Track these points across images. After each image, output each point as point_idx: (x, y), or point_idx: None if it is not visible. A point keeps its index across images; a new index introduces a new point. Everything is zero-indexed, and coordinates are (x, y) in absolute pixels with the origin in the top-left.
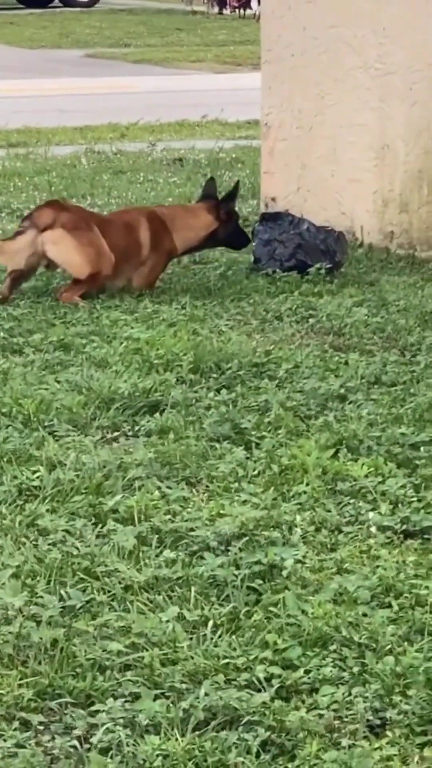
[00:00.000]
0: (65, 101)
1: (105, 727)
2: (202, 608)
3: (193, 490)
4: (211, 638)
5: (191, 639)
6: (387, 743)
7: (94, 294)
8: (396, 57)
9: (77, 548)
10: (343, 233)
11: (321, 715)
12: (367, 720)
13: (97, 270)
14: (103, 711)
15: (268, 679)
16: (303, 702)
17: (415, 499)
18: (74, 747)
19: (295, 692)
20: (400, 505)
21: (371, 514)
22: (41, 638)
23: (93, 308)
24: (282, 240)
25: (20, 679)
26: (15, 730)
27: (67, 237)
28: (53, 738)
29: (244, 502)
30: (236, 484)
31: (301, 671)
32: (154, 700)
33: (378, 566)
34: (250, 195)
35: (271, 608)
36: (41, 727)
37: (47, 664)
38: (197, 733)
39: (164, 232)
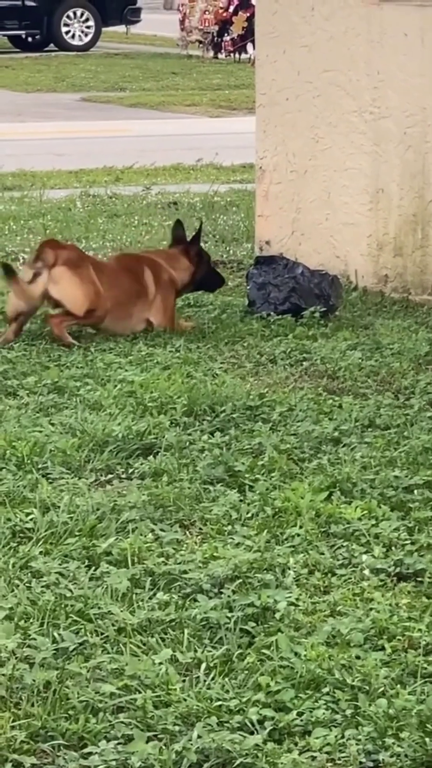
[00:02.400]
0: (60, 145)
1: None
2: (195, 650)
3: (187, 533)
4: (204, 680)
5: (184, 681)
6: None
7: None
8: (390, 101)
9: (70, 590)
10: (338, 277)
11: (314, 758)
12: (360, 762)
13: (93, 307)
14: (96, 753)
15: (261, 722)
16: (296, 744)
17: (408, 542)
18: None
19: (287, 734)
20: (393, 547)
21: (365, 557)
22: (34, 680)
23: (87, 351)
24: (276, 283)
25: (13, 721)
26: None
27: (67, 274)
28: None
29: (238, 544)
30: (230, 527)
31: (294, 713)
32: (147, 742)
33: (371, 609)
34: (245, 238)
35: (264, 650)
36: None
37: (40, 706)
38: None
39: (164, 271)
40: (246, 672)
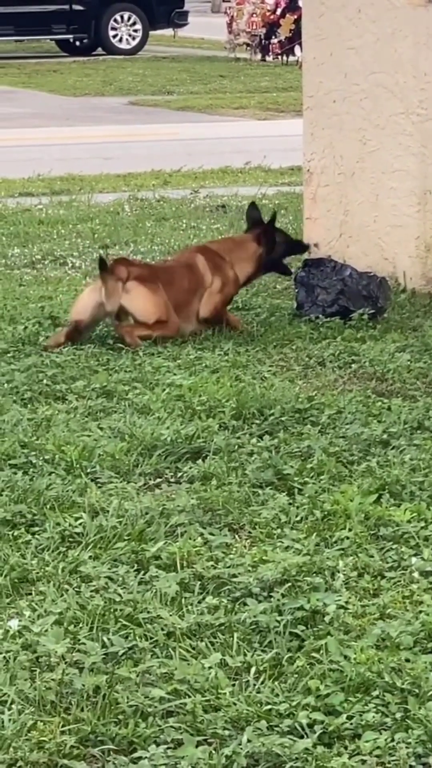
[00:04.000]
0: (108, 148)
1: None
2: (245, 654)
3: (236, 537)
4: (254, 684)
5: (234, 685)
6: None
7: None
8: None
9: (120, 595)
10: (386, 279)
11: (364, 761)
12: (410, 766)
13: (163, 318)
14: (146, 758)
15: (311, 725)
16: (345, 748)
17: None
18: None
19: (337, 738)
20: None
21: (414, 560)
22: (84, 685)
23: (136, 355)
24: (324, 286)
25: (63, 726)
26: None
27: (139, 287)
28: None
29: (287, 548)
30: (279, 530)
31: (344, 717)
32: (197, 746)
33: (421, 611)
34: None
35: (314, 654)
36: None
37: (90, 711)
38: None
39: (221, 261)
40: (296, 675)
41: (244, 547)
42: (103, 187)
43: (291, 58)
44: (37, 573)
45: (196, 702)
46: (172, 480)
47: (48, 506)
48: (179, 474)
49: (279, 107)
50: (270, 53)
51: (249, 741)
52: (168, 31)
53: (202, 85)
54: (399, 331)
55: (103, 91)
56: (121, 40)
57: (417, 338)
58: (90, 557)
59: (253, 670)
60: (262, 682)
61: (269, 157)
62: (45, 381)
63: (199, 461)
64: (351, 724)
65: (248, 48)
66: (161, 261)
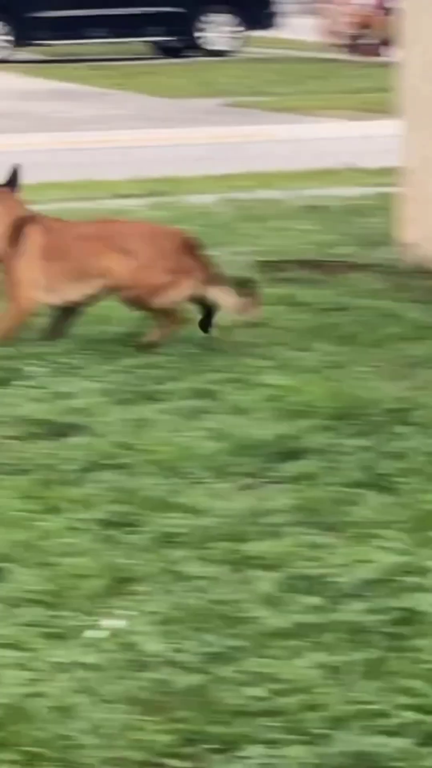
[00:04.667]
0: (204, 150)
1: None
2: (342, 654)
3: (334, 536)
4: (351, 684)
5: (331, 684)
6: None
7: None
8: None
9: (217, 594)
10: None
11: None
12: None
13: None
14: (244, 757)
15: (408, 725)
16: None
17: None
18: None
19: None
20: None
21: None
22: (182, 684)
23: (231, 356)
24: None
25: (163, 725)
26: None
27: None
28: None
29: (385, 547)
30: (376, 530)
31: None
32: (295, 745)
33: None
34: (386, 241)
35: (413, 654)
36: None
37: (189, 710)
38: None
39: None
40: (393, 675)
41: (342, 546)
42: (198, 188)
43: (385, 59)
44: (136, 573)
45: (293, 701)
46: (269, 480)
47: (146, 506)
48: (276, 474)
49: (374, 107)
50: (364, 54)
51: (346, 740)
52: (264, 33)
53: (297, 86)
54: None
55: (198, 92)
56: (216, 41)
57: None
58: (188, 557)
59: (350, 669)
60: (360, 682)
61: (364, 157)
62: (141, 381)
63: (296, 461)
64: None
65: (343, 49)
66: None
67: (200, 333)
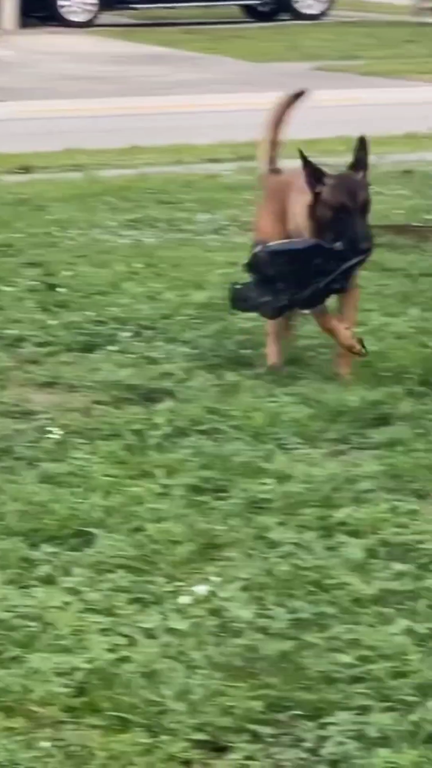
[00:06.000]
0: (293, 114)
1: (334, 739)
2: None
3: (423, 503)
4: None
5: (421, 652)
6: None
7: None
8: None
9: (306, 561)
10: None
11: None
12: None
13: None
14: (333, 723)
15: None
16: None
17: None
18: (304, 759)
19: None
20: None
21: None
22: (271, 651)
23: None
24: None
25: (250, 691)
26: (245, 742)
27: None
28: (283, 750)
29: None
30: None
31: None
32: (384, 712)
33: None
34: None
35: None
36: (271, 740)
37: (277, 677)
38: (427, 746)
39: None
40: None
41: (431, 513)
42: (287, 153)
43: None
44: (224, 539)
45: (382, 668)
46: (358, 446)
47: (235, 472)
48: (365, 440)
49: None
50: None
51: None
52: None
53: (387, 49)
54: None
55: (288, 56)
56: (306, 5)
57: None
58: (276, 523)
59: None
60: None
61: None
62: (232, 347)
63: (386, 427)
64: None
65: None
66: None
67: None
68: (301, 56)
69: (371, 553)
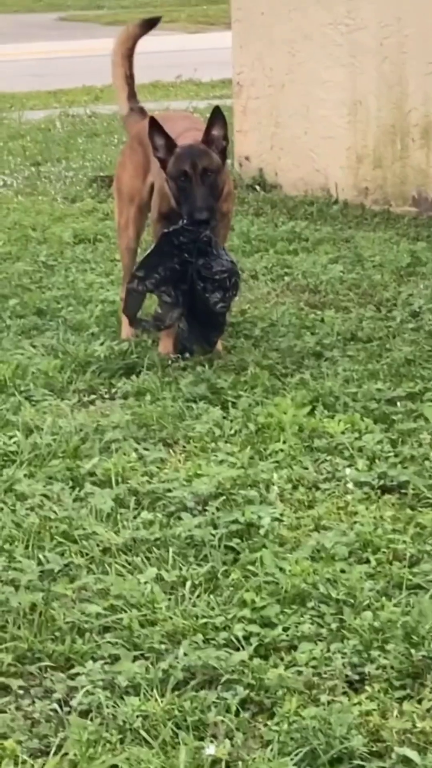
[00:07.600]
0: (38, 65)
1: (85, 689)
2: (180, 569)
3: (170, 451)
4: (189, 598)
5: (170, 600)
6: (366, 698)
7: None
8: (365, 12)
9: (55, 512)
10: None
11: (300, 672)
12: (346, 676)
13: None
14: (83, 674)
15: (247, 638)
16: (282, 659)
17: (391, 454)
18: (54, 710)
19: (273, 650)
20: (377, 460)
21: (348, 471)
22: (20, 603)
23: (68, 272)
24: None
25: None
26: None
27: None
28: (33, 702)
29: (221, 461)
30: (213, 444)
31: (280, 629)
32: (134, 661)
33: (355, 522)
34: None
35: (249, 567)
36: (21, 692)
37: (26, 629)
38: (177, 693)
39: None
40: (231, 589)
41: (179, 461)
42: (33, 104)
43: None
44: None
45: (132, 617)
46: (106, 396)
47: None
48: (113, 390)
49: (209, 20)
50: None
51: (185, 655)
52: None
53: None
54: (331, 242)
55: (32, 7)
56: None
57: (349, 249)
58: (24, 475)
59: (188, 584)
60: (198, 596)
61: (200, 70)
62: None
63: (133, 377)
64: (287, 635)
65: None
66: None
67: None
68: (45, 7)
69: (120, 502)
